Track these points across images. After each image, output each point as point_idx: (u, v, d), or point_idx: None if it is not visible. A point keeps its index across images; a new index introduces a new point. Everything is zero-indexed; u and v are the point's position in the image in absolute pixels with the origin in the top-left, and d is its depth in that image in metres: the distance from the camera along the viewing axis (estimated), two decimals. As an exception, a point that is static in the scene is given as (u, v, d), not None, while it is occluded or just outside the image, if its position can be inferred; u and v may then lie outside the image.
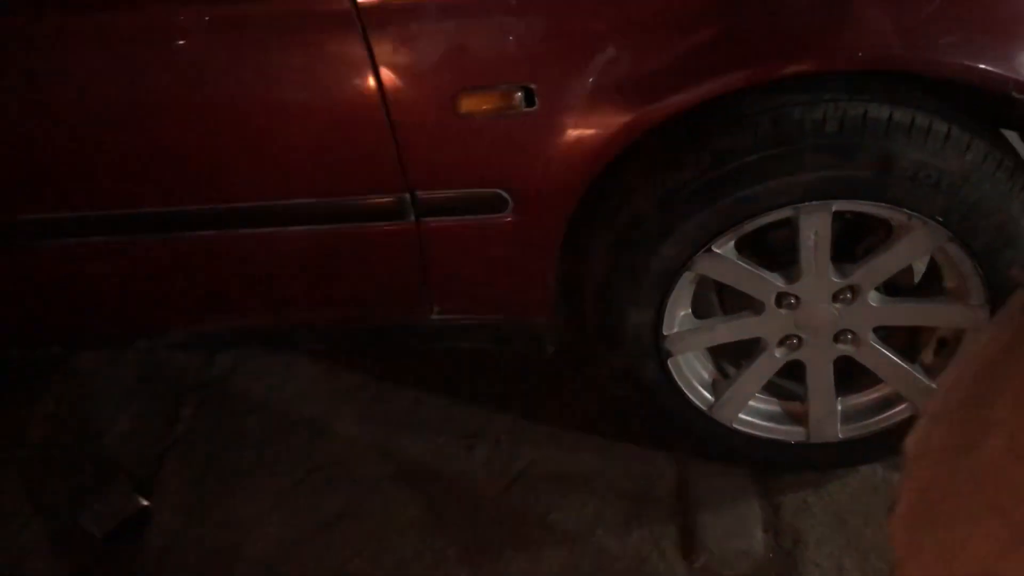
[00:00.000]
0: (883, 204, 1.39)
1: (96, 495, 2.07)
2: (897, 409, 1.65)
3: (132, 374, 2.39)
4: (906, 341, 1.65)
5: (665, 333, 1.57)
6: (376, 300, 1.70)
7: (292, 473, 2.03)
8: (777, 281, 1.52)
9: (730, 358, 1.70)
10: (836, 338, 1.57)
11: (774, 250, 1.56)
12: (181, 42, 1.40)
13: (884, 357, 1.57)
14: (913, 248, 1.45)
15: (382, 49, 1.37)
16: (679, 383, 1.64)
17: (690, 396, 1.65)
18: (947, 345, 1.59)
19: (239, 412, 2.23)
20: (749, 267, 1.50)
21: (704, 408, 1.67)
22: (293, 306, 1.75)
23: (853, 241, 1.55)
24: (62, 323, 1.88)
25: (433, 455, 1.99)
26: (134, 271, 1.70)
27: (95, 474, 2.14)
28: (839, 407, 1.66)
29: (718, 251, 1.47)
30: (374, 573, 1.78)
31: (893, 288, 1.57)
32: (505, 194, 1.48)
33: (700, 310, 1.63)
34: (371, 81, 1.40)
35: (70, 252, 1.67)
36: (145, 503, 2.02)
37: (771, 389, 1.70)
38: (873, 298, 1.52)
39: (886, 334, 1.60)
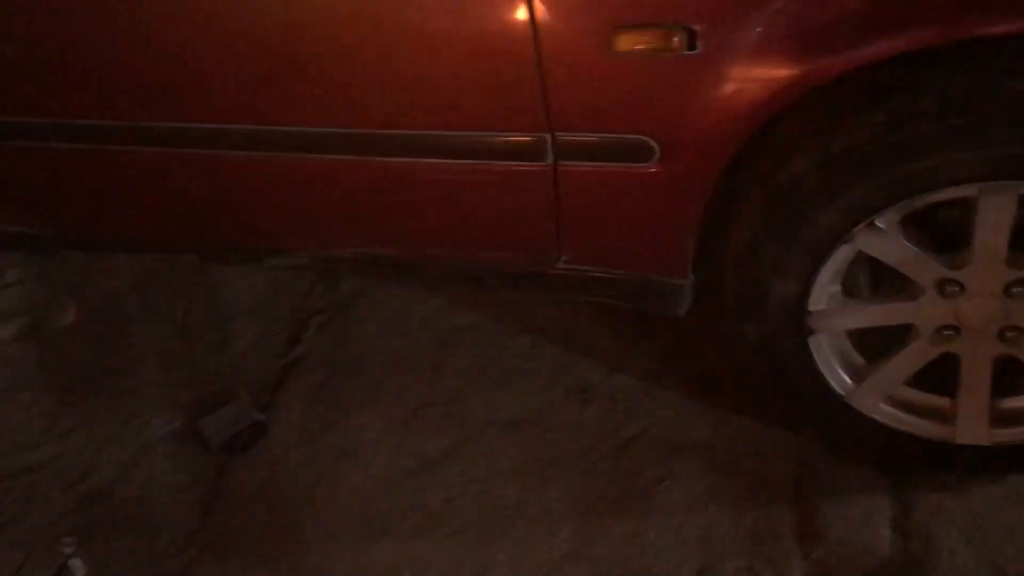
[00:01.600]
0: (1081, 189, 1.23)
1: (216, 405, 2.11)
2: (1060, 419, 1.49)
3: (261, 292, 2.43)
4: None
5: (811, 309, 1.46)
6: (504, 242, 1.65)
7: (404, 406, 2.03)
8: (942, 265, 1.38)
9: (877, 341, 1.57)
10: (1000, 334, 1.42)
11: (938, 229, 1.41)
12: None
13: (1055, 359, 1.42)
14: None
15: (538, -25, 1.29)
16: (818, 363, 1.52)
17: (828, 379, 1.54)
18: None
19: (358, 339, 2.24)
20: (913, 247, 1.37)
21: (842, 393, 1.55)
22: (422, 238, 1.72)
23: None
24: (200, 232, 1.90)
25: (546, 405, 1.95)
26: (269, 187, 1.70)
27: (217, 384, 2.18)
28: (993, 409, 1.51)
29: (881, 226, 1.34)
30: (474, 515, 1.75)
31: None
32: (652, 142, 1.39)
33: (847, 287, 1.51)
34: (523, 10, 1.32)
35: (214, 161, 1.67)
36: (260, 418, 2.05)
37: (918, 380, 1.56)
38: (1050, 293, 1.37)
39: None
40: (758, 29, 1.25)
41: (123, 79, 1.63)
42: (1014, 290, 1.37)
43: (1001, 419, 1.53)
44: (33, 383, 2.28)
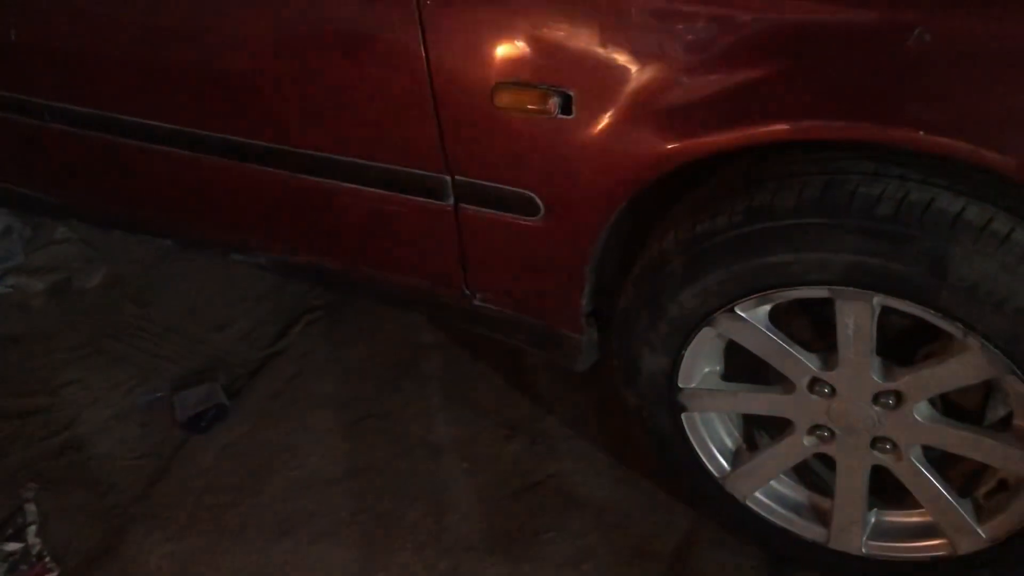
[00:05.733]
0: (933, 311, 1.16)
1: (194, 383, 2.25)
2: (934, 542, 1.40)
3: (271, 282, 2.55)
4: (972, 470, 1.39)
5: (680, 386, 1.43)
6: (421, 271, 1.69)
7: (350, 413, 2.11)
8: (811, 363, 1.33)
9: (767, 427, 1.52)
10: (873, 444, 1.36)
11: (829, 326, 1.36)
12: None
13: (925, 481, 1.34)
14: (965, 370, 1.21)
15: (433, 25, 1.33)
16: (692, 442, 1.49)
17: (703, 458, 1.50)
18: (1007, 489, 1.32)
19: (334, 342, 2.33)
20: (778, 340, 1.32)
21: (717, 476, 1.51)
22: (352, 257, 1.78)
23: (921, 339, 1.32)
24: (174, 221, 2.03)
25: (473, 434, 1.98)
26: (223, 189, 1.80)
27: (203, 363, 2.32)
28: (871, 518, 1.44)
29: (742, 314, 1.31)
30: (372, 531, 1.81)
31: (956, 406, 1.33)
32: (537, 198, 1.40)
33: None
34: (420, 55, 1.36)
35: (179, 159, 1.79)
36: (225, 402, 2.17)
37: (801, 474, 1.50)
38: (921, 411, 1.29)
39: (942, 456, 1.36)
40: (631, 102, 1.24)
41: (111, 76, 1.78)
42: (883, 400, 1.30)
43: (881, 531, 1.45)
44: (47, 335, 2.48)
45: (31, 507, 2.00)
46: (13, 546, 1.92)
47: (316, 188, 1.64)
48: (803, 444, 1.41)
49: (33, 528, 1.96)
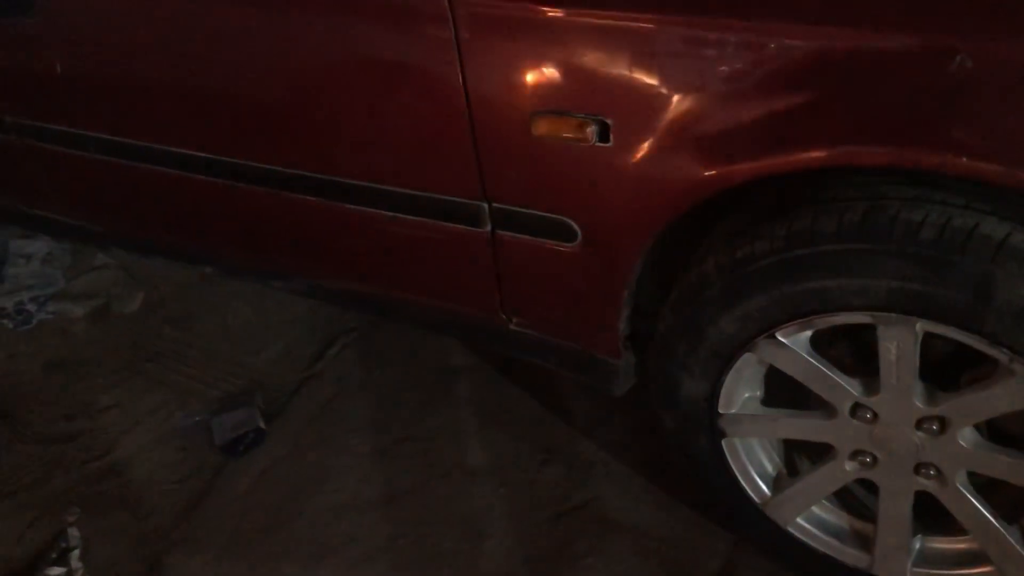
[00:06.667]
0: (978, 337, 1.15)
1: (233, 406, 2.27)
2: (981, 570, 1.38)
3: (307, 304, 2.57)
4: (1020, 496, 1.37)
5: (720, 411, 1.43)
6: (457, 296, 1.70)
7: (386, 436, 2.11)
8: (854, 389, 1.32)
9: (808, 452, 1.51)
10: (916, 469, 1.34)
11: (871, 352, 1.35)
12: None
13: (971, 507, 1.32)
14: (1011, 395, 1.19)
15: (471, 54, 1.34)
16: (732, 467, 1.48)
17: (743, 484, 1.49)
18: (1056, 516, 1.31)
19: (369, 365, 2.34)
20: (820, 366, 1.32)
21: (757, 501, 1.50)
22: (389, 284, 1.80)
23: (964, 364, 1.31)
24: (212, 247, 2.06)
25: (510, 458, 1.98)
26: (259, 216, 1.82)
27: (242, 386, 2.34)
28: (916, 545, 1.42)
29: (783, 340, 1.30)
30: (410, 557, 1.81)
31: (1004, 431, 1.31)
32: (574, 224, 1.40)
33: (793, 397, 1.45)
34: (458, 85, 1.37)
35: (217, 188, 1.82)
36: (263, 426, 2.18)
37: (843, 500, 1.49)
38: (966, 437, 1.28)
39: (988, 481, 1.34)
40: (670, 129, 1.25)
41: (153, 107, 1.81)
42: (926, 426, 1.29)
43: (927, 557, 1.43)
44: (88, 360, 2.52)
45: (74, 531, 2.02)
46: (57, 571, 1.94)
47: (356, 216, 1.66)
48: (845, 470, 1.40)
49: (76, 552, 1.98)
